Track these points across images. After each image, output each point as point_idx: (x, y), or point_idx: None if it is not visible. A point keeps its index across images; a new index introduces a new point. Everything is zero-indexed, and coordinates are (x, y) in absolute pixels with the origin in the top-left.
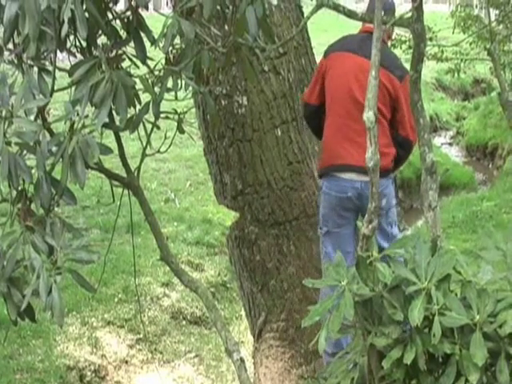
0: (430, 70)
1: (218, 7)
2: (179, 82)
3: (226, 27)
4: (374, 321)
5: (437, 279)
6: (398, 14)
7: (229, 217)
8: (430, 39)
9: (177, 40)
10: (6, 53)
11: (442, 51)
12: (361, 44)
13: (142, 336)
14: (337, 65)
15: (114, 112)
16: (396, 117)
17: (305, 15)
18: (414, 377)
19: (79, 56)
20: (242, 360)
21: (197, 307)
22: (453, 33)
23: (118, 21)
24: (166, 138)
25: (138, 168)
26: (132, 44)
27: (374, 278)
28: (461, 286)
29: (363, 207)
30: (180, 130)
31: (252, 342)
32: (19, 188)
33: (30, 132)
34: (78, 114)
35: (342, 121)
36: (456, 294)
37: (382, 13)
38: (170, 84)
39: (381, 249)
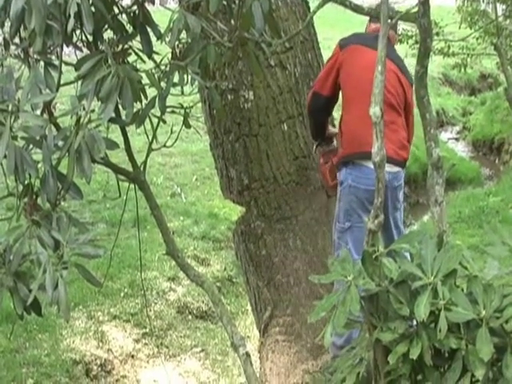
0: (436, 65)
1: (224, 2)
2: (185, 76)
3: (232, 22)
4: (380, 316)
5: (443, 274)
6: (404, 8)
7: (235, 211)
8: (437, 34)
9: (183, 34)
10: (13, 47)
11: (449, 46)
12: (376, 42)
13: (148, 330)
14: (356, 57)
15: (120, 106)
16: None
17: (311, 10)
18: (420, 372)
19: (85, 50)
20: (247, 354)
21: (203, 302)
22: (459, 28)
23: (124, 15)
24: (172, 132)
25: (144, 162)
26: (138, 38)
27: (380, 273)
28: (467, 281)
29: (386, 199)
30: (186, 124)
31: (258, 336)
32: (25, 182)
33: (37, 126)
34: (84, 109)
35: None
36: (462, 289)
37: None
38: (176, 79)
39: None
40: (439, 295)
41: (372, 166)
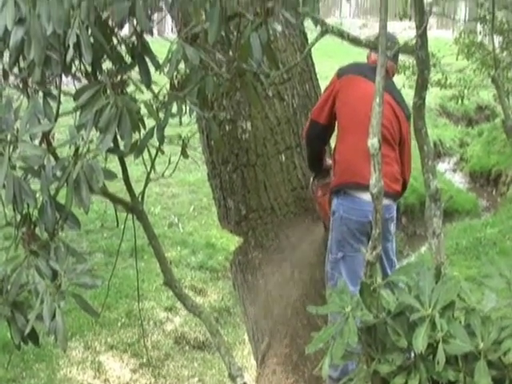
0: (433, 97)
1: (223, 33)
2: (184, 107)
3: (231, 53)
4: (378, 347)
5: (441, 306)
6: (401, 39)
7: (232, 242)
8: (434, 65)
9: (181, 65)
10: (12, 77)
11: (446, 78)
12: (373, 73)
13: (145, 360)
14: (352, 87)
15: (118, 137)
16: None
17: (309, 41)
18: None
19: (84, 80)
20: None
21: (200, 332)
22: (456, 59)
23: (122, 46)
24: (170, 162)
25: (142, 192)
26: (137, 69)
27: (378, 304)
28: (465, 314)
29: None
30: (184, 154)
31: (255, 367)
32: (24, 212)
33: (35, 156)
34: (82, 139)
35: (364, 142)
36: (460, 322)
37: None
38: (174, 109)
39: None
40: (437, 327)
41: (364, 198)
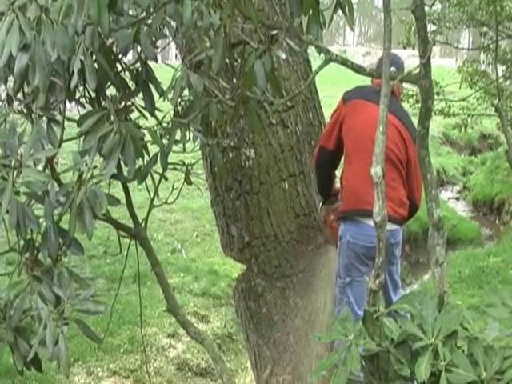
0: (437, 125)
1: (227, 60)
2: (187, 133)
3: (235, 80)
4: (381, 376)
5: (444, 335)
6: (405, 68)
7: (235, 268)
8: (437, 94)
9: (185, 92)
10: (16, 103)
11: (450, 106)
12: (378, 95)
13: None
14: (357, 112)
15: (122, 163)
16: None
17: (313, 68)
18: None
19: (88, 106)
20: None
21: (202, 359)
22: (460, 88)
23: (126, 72)
24: (173, 189)
25: (146, 219)
26: (141, 95)
27: (381, 332)
28: (468, 343)
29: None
30: (187, 181)
31: None
32: (27, 237)
33: (39, 182)
34: (86, 165)
35: (369, 168)
36: (463, 351)
37: (393, 69)
38: (178, 136)
39: (390, 299)
40: (440, 356)
41: (370, 223)
